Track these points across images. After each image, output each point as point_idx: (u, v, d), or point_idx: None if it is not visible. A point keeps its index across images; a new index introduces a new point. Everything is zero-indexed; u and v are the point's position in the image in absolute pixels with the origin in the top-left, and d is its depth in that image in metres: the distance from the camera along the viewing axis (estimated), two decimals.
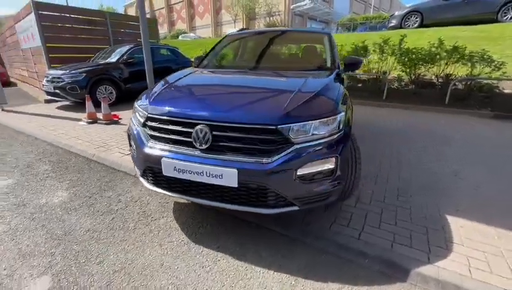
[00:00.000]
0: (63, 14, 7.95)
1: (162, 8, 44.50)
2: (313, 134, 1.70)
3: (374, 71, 7.89)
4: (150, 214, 2.29)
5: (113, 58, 6.99)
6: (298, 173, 1.66)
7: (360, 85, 8.32)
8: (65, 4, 18.18)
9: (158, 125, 1.85)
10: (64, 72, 6.17)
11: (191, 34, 30.69)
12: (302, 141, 1.67)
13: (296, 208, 1.76)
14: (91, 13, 8.52)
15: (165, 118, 1.83)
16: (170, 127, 1.80)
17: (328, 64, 2.85)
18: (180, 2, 41.70)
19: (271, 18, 32.24)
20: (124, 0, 53.23)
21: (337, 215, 2.18)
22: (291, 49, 5.93)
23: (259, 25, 33.98)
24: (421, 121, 5.50)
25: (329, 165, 1.72)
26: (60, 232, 2.05)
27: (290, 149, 1.64)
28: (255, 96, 2.07)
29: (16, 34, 9.79)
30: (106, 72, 6.55)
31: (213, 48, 3.39)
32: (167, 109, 1.85)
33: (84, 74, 6.15)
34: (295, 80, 2.32)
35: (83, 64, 6.79)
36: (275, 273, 1.71)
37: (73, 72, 6.14)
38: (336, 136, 1.75)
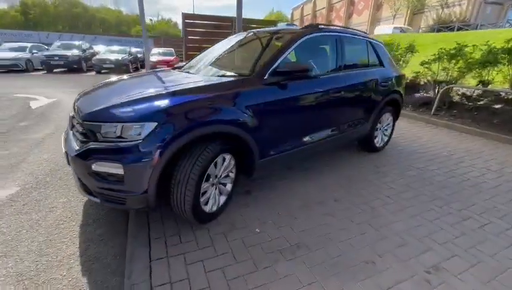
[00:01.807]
0: (196, 21, 10.58)
1: (323, 8, 45.76)
2: (116, 136, 1.67)
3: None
4: None
5: None
6: (93, 168, 1.69)
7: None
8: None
9: None
10: None
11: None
12: (102, 139, 1.70)
13: (97, 200, 1.80)
14: (219, 19, 10.74)
15: None
16: None
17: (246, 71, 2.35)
18: (341, 0, 41.31)
19: (444, 10, 25.69)
20: (293, 4, 58.63)
21: None
22: None
23: (428, 21, 27.99)
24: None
25: (118, 170, 1.65)
26: None
27: (89, 144, 1.72)
28: (110, 96, 2.05)
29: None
30: None
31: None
32: None
33: None
34: (169, 82, 2.36)
35: None
36: None
37: None
38: (133, 143, 1.64)
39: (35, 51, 13.45)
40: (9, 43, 14.63)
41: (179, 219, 2.10)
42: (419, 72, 6.58)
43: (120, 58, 13.24)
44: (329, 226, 2.12)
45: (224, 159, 2.08)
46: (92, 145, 1.70)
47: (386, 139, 3.82)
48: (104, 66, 13.01)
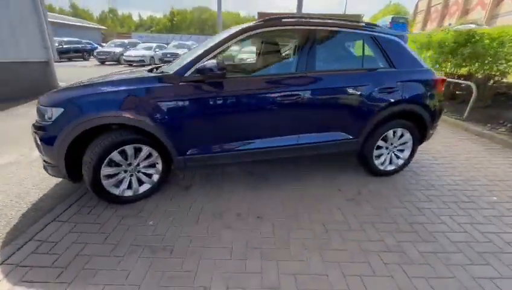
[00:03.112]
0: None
1: (439, 3, 36.68)
2: (40, 117, 2.08)
3: None
4: None
5: None
6: (36, 139, 2.10)
7: None
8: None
9: None
10: None
11: (470, 25, 23.54)
12: (38, 118, 2.13)
13: None
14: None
15: None
16: None
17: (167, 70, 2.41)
18: None
19: None
20: None
21: None
22: None
23: None
24: None
25: (39, 142, 2.07)
26: None
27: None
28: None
29: None
30: None
31: None
32: None
33: None
34: (111, 76, 2.50)
35: None
36: None
37: None
38: (47, 123, 2.00)
39: (157, 50, 17.18)
40: (144, 44, 19.18)
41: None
42: None
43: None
44: (205, 240, 1.94)
45: (140, 150, 2.23)
46: (36, 122, 2.20)
47: (400, 162, 2.94)
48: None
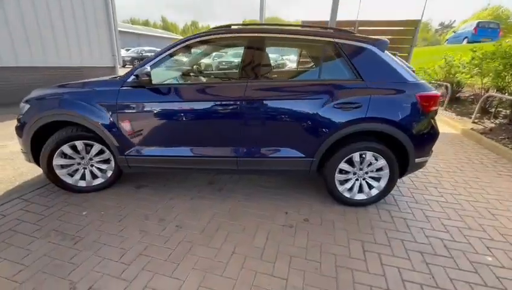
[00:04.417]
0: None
1: None
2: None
3: None
4: None
5: None
6: None
7: None
8: None
9: None
10: None
11: None
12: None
13: None
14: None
15: None
16: None
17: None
18: None
19: None
20: None
21: None
22: None
23: None
24: None
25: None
26: None
27: None
28: None
29: None
30: None
31: None
32: None
33: None
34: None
35: None
36: None
37: None
38: (20, 116, 2.42)
39: (216, 58, 18.55)
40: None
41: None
42: None
43: None
44: (112, 237, 1.99)
45: (91, 146, 2.48)
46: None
47: (373, 192, 2.46)
48: None
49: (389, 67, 2.27)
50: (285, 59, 14.99)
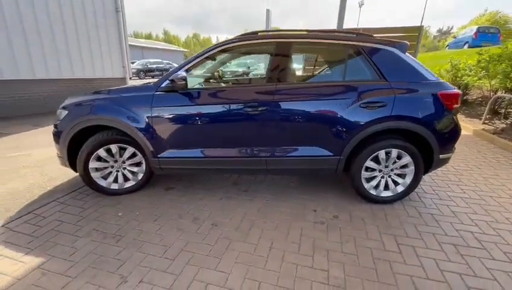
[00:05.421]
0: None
1: None
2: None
3: None
4: None
5: None
6: None
7: None
8: None
9: None
10: None
11: None
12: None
13: None
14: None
15: None
16: None
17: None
18: None
19: None
20: None
21: None
22: None
23: None
24: None
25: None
26: None
27: None
28: None
29: None
30: None
31: None
32: None
33: None
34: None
35: None
36: None
37: None
38: (58, 122, 2.53)
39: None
40: None
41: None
42: None
43: None
44: (152, 236, 2.05)
45: (124, 150, 2.57)
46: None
47: (399, 189, 2.52)
48: None
49: (410, 67, 2.38)
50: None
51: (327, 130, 2.37)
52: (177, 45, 58.14)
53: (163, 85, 2.42)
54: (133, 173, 2.71)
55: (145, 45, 34.66)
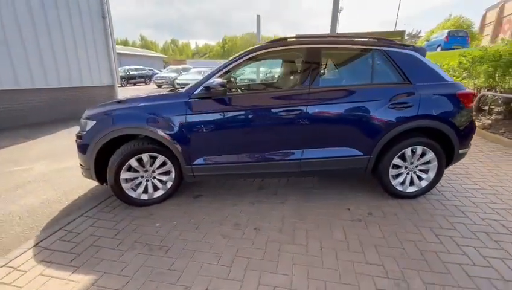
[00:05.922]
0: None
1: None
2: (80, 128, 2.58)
3: None
4: None
5: None
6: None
7: None
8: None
9: None
10: None
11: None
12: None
13: None
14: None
15: None
16: None
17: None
18: None
19: None
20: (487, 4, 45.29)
21: None
22: None
23: None
24: None
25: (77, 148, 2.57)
26: None
27: None
28: None
29: None
30: None
31: None
32: None
33: None
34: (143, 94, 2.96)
35: None
36: None
37: None
38: (83, 133, 2.45)
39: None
40: (195, 69, 21.19)
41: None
42: None
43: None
44: (199, 245, 2.03)
45: (154, 159, 2.51)
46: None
47: (423, 184, 2.67)
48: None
49: (430, 69, 2.55)
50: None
51: (358, 131, 2.48)
52: (155, 50, 57.02)
53: (196, 92, 2.41)
54: (162, 182, 2.65)
55: (122, 52, 33.60)
